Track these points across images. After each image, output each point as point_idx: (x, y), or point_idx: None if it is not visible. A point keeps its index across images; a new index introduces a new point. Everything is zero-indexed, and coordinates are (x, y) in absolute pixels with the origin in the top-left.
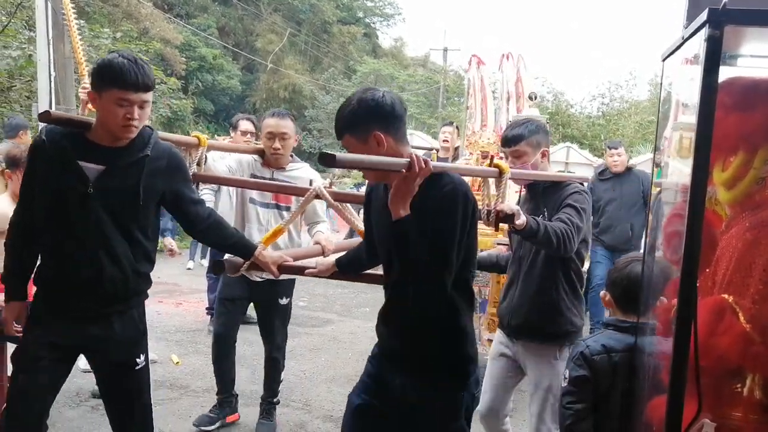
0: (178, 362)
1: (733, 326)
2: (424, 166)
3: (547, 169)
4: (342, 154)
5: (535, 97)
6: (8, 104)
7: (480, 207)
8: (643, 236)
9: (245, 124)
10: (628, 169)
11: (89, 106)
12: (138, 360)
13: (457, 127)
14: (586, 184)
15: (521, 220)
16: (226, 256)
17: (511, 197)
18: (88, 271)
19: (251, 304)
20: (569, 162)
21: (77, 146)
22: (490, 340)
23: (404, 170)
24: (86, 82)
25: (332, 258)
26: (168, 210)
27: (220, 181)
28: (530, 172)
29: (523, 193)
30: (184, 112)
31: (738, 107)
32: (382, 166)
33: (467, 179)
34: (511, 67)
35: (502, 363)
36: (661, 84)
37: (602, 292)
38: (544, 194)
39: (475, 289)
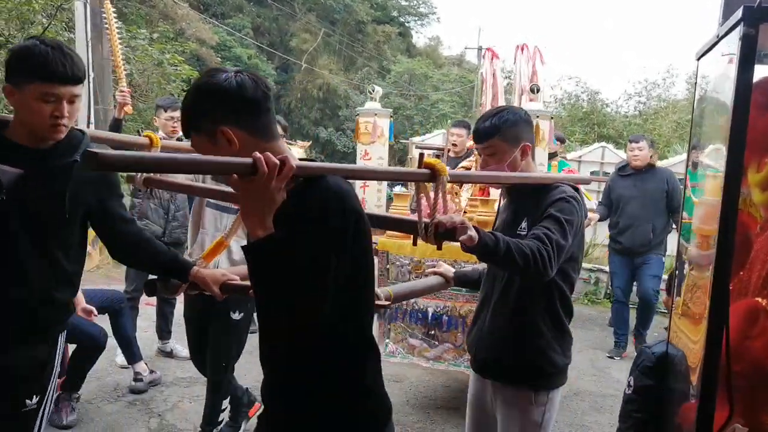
0: None
1: (766, 330)
2: (277, 164)
3: (530, 169)
4: (108, 152)
5: (538, 90)
6: None
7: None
8: (677, 237)
9: None
10: (651, 166)
11: (125, 108)
12: (28, 402)
13: (469, 128)
14: (592, 220)
15: (467, 235)
16: None
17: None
18: None
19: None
20: (604, 162)
21: None
22: None
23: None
24: (123, 85)
25: None
26: (92, 227)
27: (172, 187)
28: (499, 174)
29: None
30: None
31: None
32: (197, 167)
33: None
34: (525, 60)
35: (476, 415)
36: (695, 83)
37: (664, 297)
38: (524, 201)
39: (470, 306)
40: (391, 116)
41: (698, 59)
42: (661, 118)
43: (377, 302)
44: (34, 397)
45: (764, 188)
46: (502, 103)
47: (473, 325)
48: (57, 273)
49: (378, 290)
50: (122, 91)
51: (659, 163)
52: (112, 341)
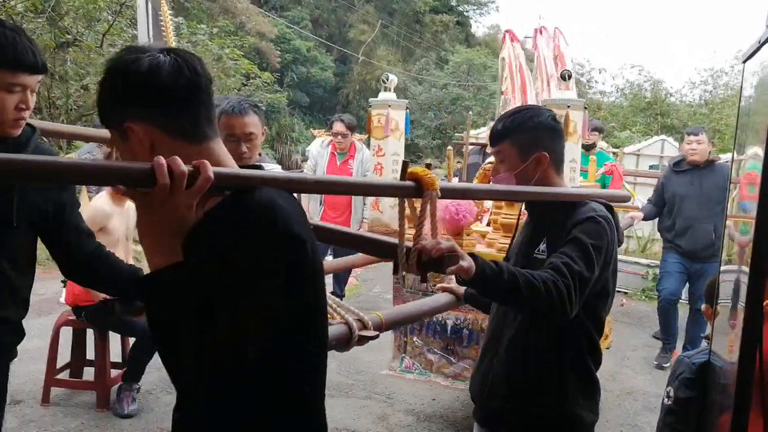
0: None
1: None
2: (185, 173)
3: (549, 182)
4: None
5: (569, 77)
6: None
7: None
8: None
9: (337, 126)
10: (710, 162)
11: None
12: None
13: None
14: (628, 214)
15: (458, 265)
16: None
17: None
18: None
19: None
20: (664, 155)
21: None
22: None
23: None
24: None
25: None
26: (43, 238)
27: None
28: (501, 188)
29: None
30: (279, 104)
31: None
32: (62, 174)
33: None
34: (546, 42)
35: None
36: (741, 86)
37: (703, 306)
38: (544, 218)
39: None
40: (407, 107)
41: (744, 62)
42: (728, 107)
43: (364, 333)
44: None
45: None
46: (531, 90)
47: (479, 367)
48: (3, 289)
49: (365, 317)
50: None
51: (723, 157)
52: None
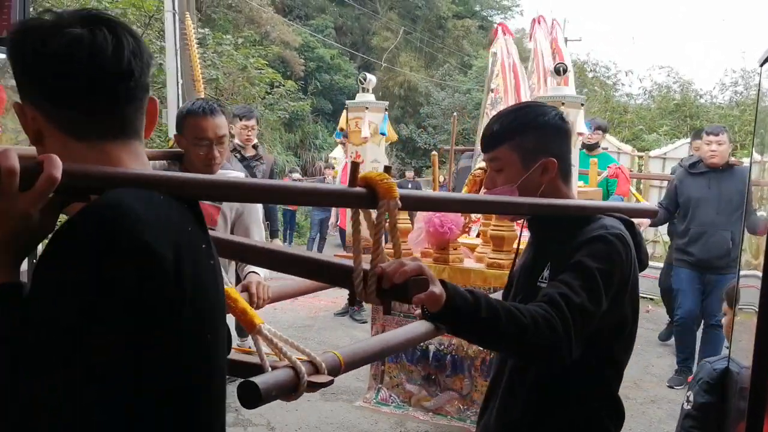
0: None
1: None
2: (14, 171)
3: (556, 192)
4: None
5: (564, 71)
6: None
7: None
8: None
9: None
10: (729, 165)
11: None
12: None
13: None
14: (643, 225)
15: (429, 292)
16: None
17: None
18: None
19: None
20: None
21: None
22: None
23: None
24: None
25: None
26: None
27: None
28: (489, 199)
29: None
30: (303, 112)
31: None
32: None
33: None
34: (544, 34)
35: None
36: (759, 89)
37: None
38: (547, 237)
39: None
40: (386, 109)
41: (761, 65)
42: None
43: (314, 379)
44: None
45: None
46: (525, 88)
47: (483, 409)
48: None
49: (317, 358)
50: None
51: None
52: None
